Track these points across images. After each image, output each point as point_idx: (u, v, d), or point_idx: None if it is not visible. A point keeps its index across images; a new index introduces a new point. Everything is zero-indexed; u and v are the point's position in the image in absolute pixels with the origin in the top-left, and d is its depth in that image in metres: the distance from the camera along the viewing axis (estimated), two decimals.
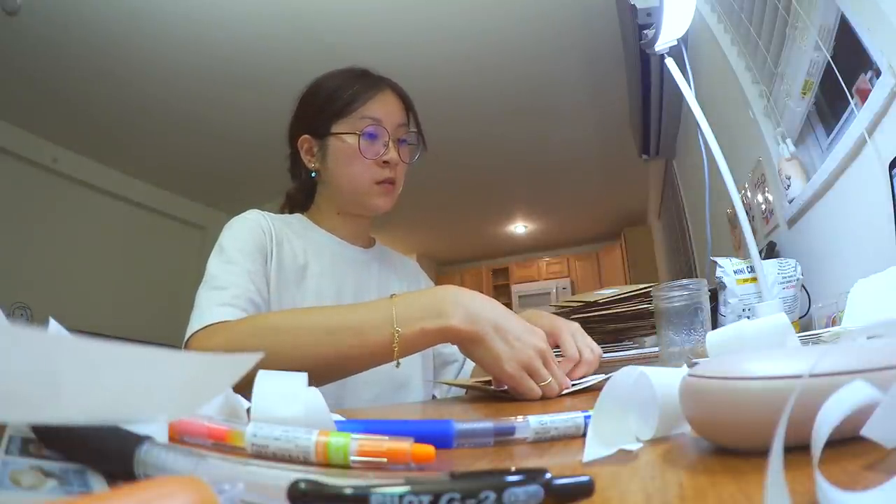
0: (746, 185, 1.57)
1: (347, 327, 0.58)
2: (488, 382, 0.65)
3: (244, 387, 0.25)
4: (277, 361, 0.54)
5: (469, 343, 0.57)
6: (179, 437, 0.24)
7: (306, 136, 0.86)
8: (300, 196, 0.94)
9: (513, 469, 0.16)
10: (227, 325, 0.64)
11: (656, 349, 0.74)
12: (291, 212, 0.94)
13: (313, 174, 0.87)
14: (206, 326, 0.64)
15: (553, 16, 2.40)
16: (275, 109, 3.15)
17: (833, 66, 0.97)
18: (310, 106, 0.87)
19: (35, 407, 0.15)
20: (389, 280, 0.93)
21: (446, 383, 0.90)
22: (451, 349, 0.94)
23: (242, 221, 0.81)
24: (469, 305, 0.57)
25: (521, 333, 0.56)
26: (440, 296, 0.58)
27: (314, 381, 0.55)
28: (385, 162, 0.82)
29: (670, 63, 1.15)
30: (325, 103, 0.85)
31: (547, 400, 0.54)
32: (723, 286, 1.00)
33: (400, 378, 0.83)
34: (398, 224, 4.70)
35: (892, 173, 0.70)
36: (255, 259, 0.76)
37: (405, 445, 0.23)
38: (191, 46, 2.47)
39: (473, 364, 0.91)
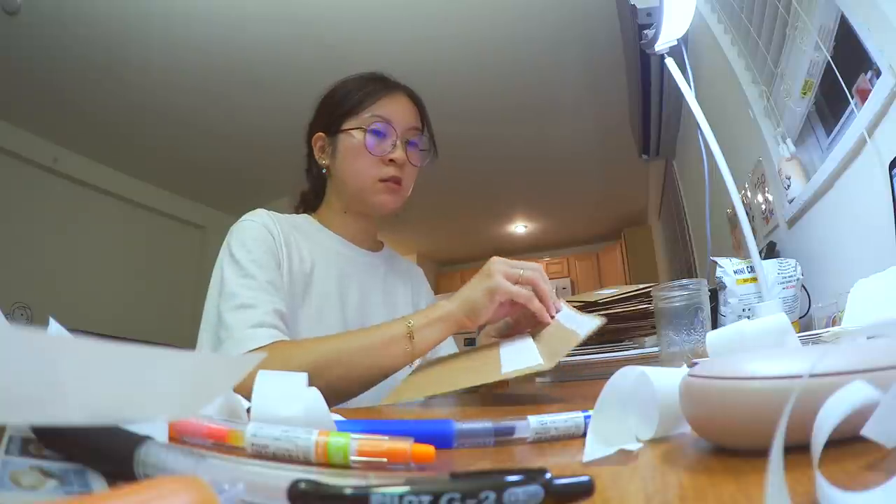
0: (746, 185, 1.57)
1: (381, 341, 0.67)
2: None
3: (244, 387, 0.25)
4: (340, 387, 0.65)
5: (470, 315, 0.68)
6: (179, 437, 0.24)
7: (320, 133, 0.88)
8: (312, 196, 0.95)
9: (513, 469, 0.16)
10: (276, 356, 0.64)
11: (656, 349, 0.74)
12: (305, 212, 0.94)
13: (324, 170, 0.89)
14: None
15: (553, 16, 2.40)
16: (274, 110, 3.15)
17: (833, 66, 0.97)
18: (326, 105, 0.89)
19: (35, 407, 0.15)
20: (395, 285, 0.93)
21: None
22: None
23: (250, 227, 0.79)
24: (459, 294, 0.70)
25: (485, 272, 0.69)
26: (441, 303, 0.71)
27: (359, 392, 0.65)
28: (391, 160, 0.83)
29: (670, 63, 1.15)
30: (339, 102, 0.87)
31: (547, 403, 0.54)
32: (723, 286, 1.00)
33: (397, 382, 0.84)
34: (398, 224, 4.68)
35: (892, 173, 0.70)
36: (271, 266, 0.76)
37: (405, 445, 0.23)
38: (191, 47, 2.47)
39: None
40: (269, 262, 0.76)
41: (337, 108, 0.87)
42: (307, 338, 0.74)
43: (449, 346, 1.00)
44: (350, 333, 0.72)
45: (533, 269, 0.69)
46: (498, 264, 0.69)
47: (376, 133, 0.83)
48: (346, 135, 0.85)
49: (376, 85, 0.87)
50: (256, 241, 0.77)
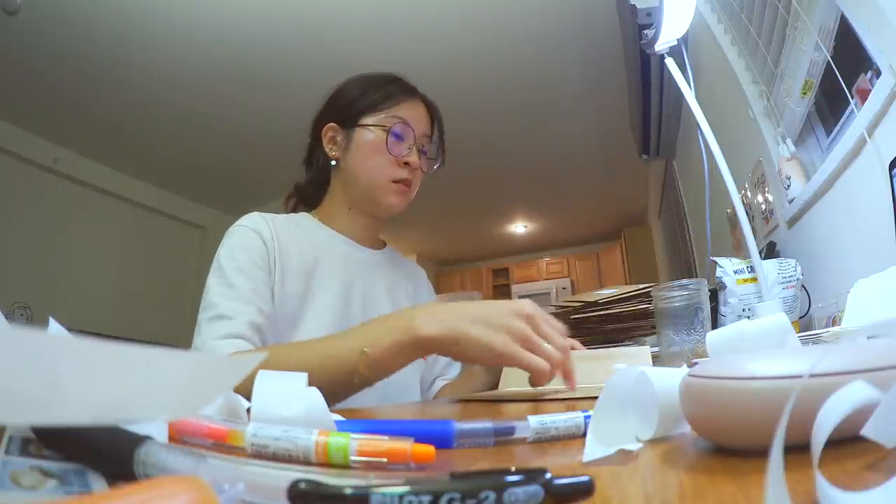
0: (746, 185, 1.57)
1: (328, 356, 0.58)
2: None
3: (244, 387, 0.25)
4: None
5: (450, 346, 0.55)
6: (179, 437, 0.24)
7: (332, 124, 0.87)
8: (310, 189, 0.93)
9: (513, 469, 0.16)
10: None
11: (656, 349, 0.74)
12: (297, 205, 0.94)
13: (333, 163, 0.88)
14: None
15: (553, 16, 2.40)
16: (274, 110, 3.16)
17: (833, 66, 0.97)
18: (342, 97, 0.88)
19: (36, 408, 0.15)
20: (398, 284, 0.93)
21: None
22: (437, 368, 0.95)
23: (240, 234, 0.78)
24: (437, 313, 0.56)
25: (500, 312, 0.54)
26: (409, 313, 0.57)
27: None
28: (406, 163, 0.84)
29: (670, 63, 1.15)
30: (359, 97, 0.87)
31: (547, 403, 0.54)
32: (723, 286, 1.00)
33: (400, 386, 0.83)
34: (398, 223, 4.69)
35: (892, 173, 0.70)
36: (255, 275, 0.74)
37: (405, 445, 0.23)
38: (190, 46, 2.47)
39: (443, 382, 0.92)
40: (254, 270, 0.74)
41: (355, 103, 0.86)
42: (270, 345, 0.71)
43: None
44: (304, 346, 0.64)
45: (561, 345, 0.53)
46: (518, 321, 0.53)
47: (396, 134, 0.84)
48: (364, 130, 0.84)
49: (397, 86, 0.88)
50: (244, 249, 0.76)
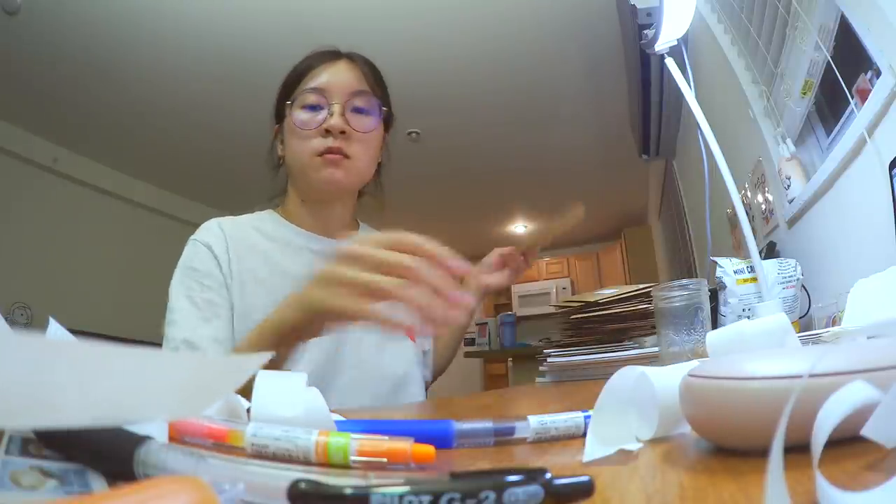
0: (746, 185, 1.57)
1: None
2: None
3: (244, 388, 0.25)
4: None
5: (312, 324, 0.54)
6: (179, 437, 0.24)
7: (277, 125, 0.84)
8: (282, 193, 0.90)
9: (513, 469, 0.16)
10: None
11: (656, 349, 0.74)
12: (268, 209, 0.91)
13: (281, 162, 0.85)
14: None
15: (553, 16, 2.40)
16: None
17: (833, 66, 0.97)
18: (278, 94, 0.84)
19: (36, 412, 0.15)
20: None
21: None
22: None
23: (192, 252, 0.76)
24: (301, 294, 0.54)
25: (338, 269, 0.49)
26: (288, 315, 0.56)
27: None
28: (326, 131, 0.75)
29: (670, 63, 1.15)
30: (282, 87, 0.83)
31: (547, 403, 0.54)
32: (723, 286, 1.00)
33: (395, 378, 0.80)
34: (398, 224, 4.68)
35: (892, 173, 0.70)
36: (202, 305, 0.72)
37: (405, 445, 0.23)
38: (191, 46, 2.47)
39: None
40: (200, 300, 0.72)
41: (281, 94, 0.82)
42: None
43: None
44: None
45: (395, 241, 0.49)
46: (325, 272, 0.51)
47: (310, 108, 0.76)
48: (287, 118, 0.79)
49: (315, 58, 0.81)
50: (191, 276, 0.74)
